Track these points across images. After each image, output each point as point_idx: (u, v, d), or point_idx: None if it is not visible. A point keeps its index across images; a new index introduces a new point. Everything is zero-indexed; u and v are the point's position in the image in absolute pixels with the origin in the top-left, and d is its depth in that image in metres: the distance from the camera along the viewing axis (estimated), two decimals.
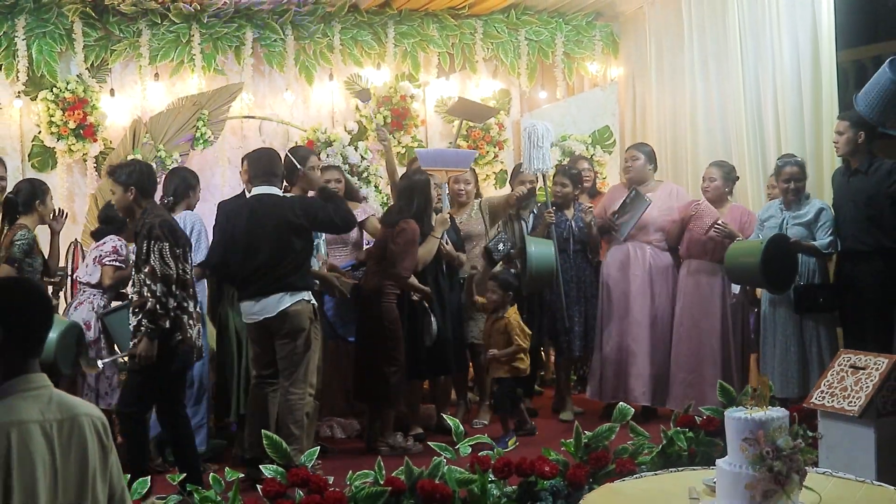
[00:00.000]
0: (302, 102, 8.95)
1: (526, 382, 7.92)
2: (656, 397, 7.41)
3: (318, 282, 6.45)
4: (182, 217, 6.56)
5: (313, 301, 6.03)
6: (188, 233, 6.48)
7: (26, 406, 2.65)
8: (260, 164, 6.10)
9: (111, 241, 6.57)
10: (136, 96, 8.39)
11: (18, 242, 6.23)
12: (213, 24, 8.40)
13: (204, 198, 8.28)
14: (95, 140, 8.11)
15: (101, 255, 6.53)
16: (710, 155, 8.41)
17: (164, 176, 7.09)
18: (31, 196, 6.48)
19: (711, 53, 8.50)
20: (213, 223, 6.54)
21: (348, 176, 7.87)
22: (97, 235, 6.70)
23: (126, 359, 5.78)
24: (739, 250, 6.85)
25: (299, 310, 5.92)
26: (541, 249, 7.13)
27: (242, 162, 6.82)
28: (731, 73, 8.21)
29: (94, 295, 6.55)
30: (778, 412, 3.67)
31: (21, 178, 7.15)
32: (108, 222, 6.67)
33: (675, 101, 9.00)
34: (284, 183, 6.35)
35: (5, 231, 6.43)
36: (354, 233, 7.10)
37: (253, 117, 8.75)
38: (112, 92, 8.27)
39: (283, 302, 5.90)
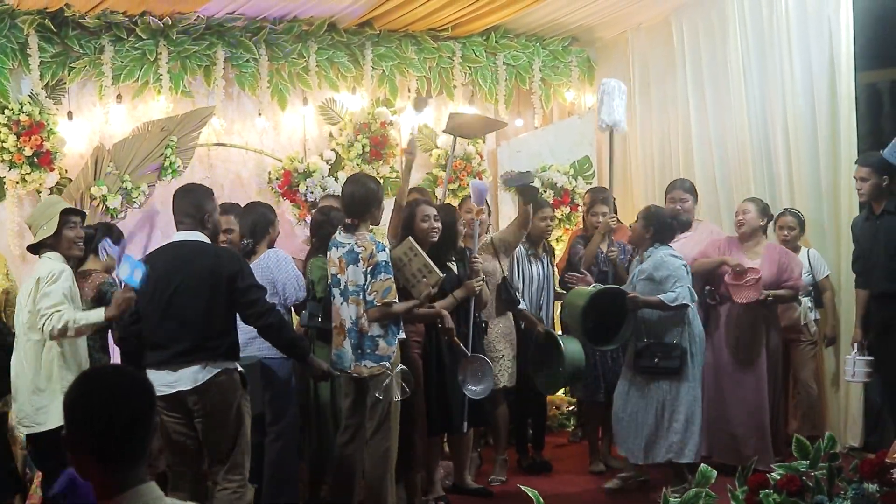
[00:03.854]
0: (272, 129, 8.17)
1: (535, 431, 7.42)
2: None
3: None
4: (265, 257, 6.06)
5: (240, 369, 5.05)
6: (280, 274, 6.01)
7: None
8: (184, 202, 5.15)
9: None
10: (94, 120, 7.45)
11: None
12: (183, 42, 7.55)
13: (167, 233, 7.49)
14: (52, 169, 7.13)
15: None
16: (707, 190, 8.11)
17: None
18: (117, 240, 5.73)
19: (708, 81, 8.20)
20: None
21: None
22: None
23: None
24: (574, 295, 6.62)
25: (224, 383, 4.92)
26: (572, 347, 6.60)
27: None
28: (732, 101, 7.90)
29: None
30: None
31: None
32: None
33: (664, 132, 8.65)
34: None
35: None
36: None
37: (223, 144, 7.94)
38: (70, 115, 7.34)
39: (202, 373, 4.89)
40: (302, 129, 8.31)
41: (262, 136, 8.15)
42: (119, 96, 7.48)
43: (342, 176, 8.08)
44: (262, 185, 8.04)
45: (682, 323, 6.36)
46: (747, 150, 7.74)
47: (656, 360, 6.31)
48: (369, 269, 5.52)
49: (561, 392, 8.04)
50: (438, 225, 6.20)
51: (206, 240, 5.10)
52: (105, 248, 5.69)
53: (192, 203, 5.13)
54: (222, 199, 7.42)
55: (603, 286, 6.61)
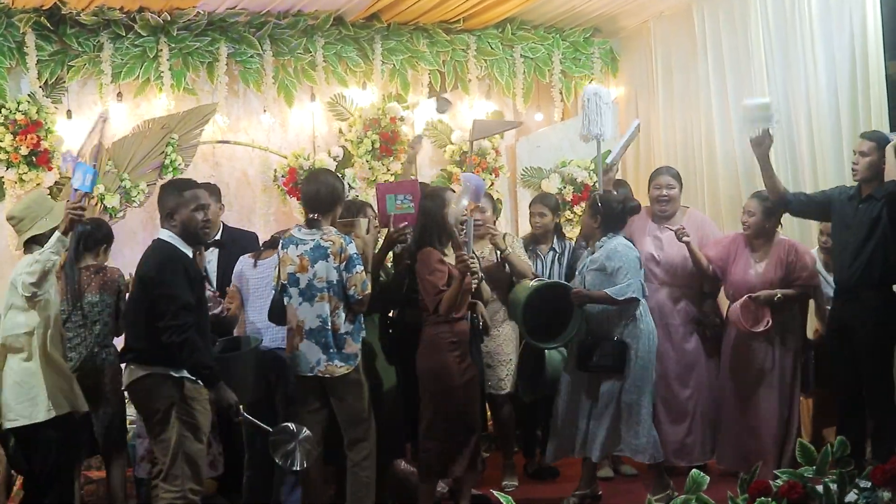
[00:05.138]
0: (280, 126, 8.06)
1: (545, 436, 7.14)
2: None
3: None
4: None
5: (182, 376, 4.90)
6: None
7: None
8: (158, 199, 5.24)
9: None
10: (95, 118, 7.40)
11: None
12: (184, 38, 7.46)
13: None
14: (50, 168, 7.10)
15: None
16: (730, 184, 7.81)
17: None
18: (107, 238, 5.99)
19: (730, 71, 7.87)
20: None
21: None
22: None
23: None
24: (519, 289, 6.25)
25: (147, 385, 4.88)
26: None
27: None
28: (754, 91, 7.53)
29: None
30: None
31: None
32: None
33: (687, 123, 8.32)
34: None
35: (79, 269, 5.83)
36: None
37: (227, 142, 7.83)
38: (69, 114, 7.30)
39: (131, 374, 4.95)
40: (311, 126, 8.18)
41: (270, 134, 8.04)
42: (120, 94, 7.42)
43: (349, 173, 7.94)
44: (268, 182, 7.90)
45: (629, 318, 6.03)
46: None
47: (596, 357, 6.01)
48: (342, 264, 5.38)
49: None
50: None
51: (170, 238, 5.01)
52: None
53: (160, 200, 5.15)
54: (228, 197, 7.39)
55: (546, 280, 6.31)
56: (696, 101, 8.20)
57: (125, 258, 6.74)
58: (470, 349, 5.93)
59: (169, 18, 7.35)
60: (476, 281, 6.01)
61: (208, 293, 5.89)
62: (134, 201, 7.31)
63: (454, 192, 6.11)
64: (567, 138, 8.74)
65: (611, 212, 6.12)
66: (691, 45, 8.24)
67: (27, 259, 5.31)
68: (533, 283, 6.26)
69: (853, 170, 6.04)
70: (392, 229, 5.88)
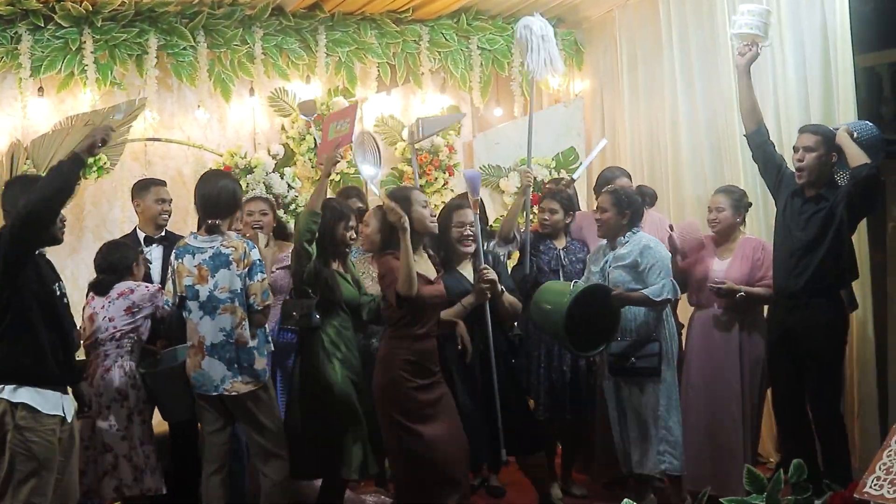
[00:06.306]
0: (217, 122, 7.60)
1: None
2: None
3: None
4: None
5: (19, 401, 4.29)
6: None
7: None
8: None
9: (141, 289, 5.42)
10: (15, 115, 6.96)
11: None
12: (110, 29, 7.00)
13: (100, 236, 7.07)
14: None
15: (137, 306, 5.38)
16: (697, 181, 7.38)
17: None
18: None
19: (697, 62, 7.41)
20: None
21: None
22: (102, 288, 5.42)
23: None
24: (550, 293, 5.71)
25: None
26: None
27: None
28: (721, 85, 7.10)
29: (122, 356, 5.34)
30: None
31: None
32: (112, 270, 5.46)
33: (653, 118, 7.87)
34: None
35: None
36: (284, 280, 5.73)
37: (158, 139, 7.37)
38: None
39: None
40: (251, 122, 7.73)
41: (206, 130, 7.59)
42: (41, 89, 6.96)
43: (289, 172, 7.50)
44: None
45: (659, 318, 5.70)
46: (736, 133, 6.92)
47: (633, 360, 5.63)
48: (246, 270, 4.96)
49: None
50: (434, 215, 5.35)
51: None
52: None
53: (2, 197, 4.67)
54: None
55: (586, 284, 5.78)
56: (660, 96, 7.75)
57: None
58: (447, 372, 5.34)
59: (92, 8, 6.91)
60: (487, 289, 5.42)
61: (152, 289, 5.48)
62: None
63: (424, 193, 5.57)
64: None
65: (636, 206, 5.81)
66: (657, 35, 7.79)
67: None
68: (571, 286, 5.66)
69: (798, 168, 5.51)
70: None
